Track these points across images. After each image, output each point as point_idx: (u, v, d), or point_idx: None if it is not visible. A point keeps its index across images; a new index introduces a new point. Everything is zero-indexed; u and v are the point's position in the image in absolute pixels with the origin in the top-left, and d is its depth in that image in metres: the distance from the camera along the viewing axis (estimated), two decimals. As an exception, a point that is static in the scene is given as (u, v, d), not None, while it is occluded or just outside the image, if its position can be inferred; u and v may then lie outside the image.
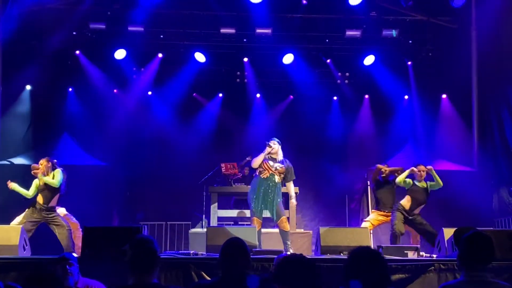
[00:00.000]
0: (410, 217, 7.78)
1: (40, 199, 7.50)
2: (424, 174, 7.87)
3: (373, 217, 8.60)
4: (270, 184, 7.53)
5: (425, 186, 7.91)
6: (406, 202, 7.86)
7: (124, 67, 11.91)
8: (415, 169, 7.91)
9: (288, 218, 9.08)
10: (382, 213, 8.51)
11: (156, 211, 11.98)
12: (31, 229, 7.29)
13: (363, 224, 8.60)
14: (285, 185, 8.05)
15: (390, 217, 8.33)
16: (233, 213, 10.04)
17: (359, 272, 2.81)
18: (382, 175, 8.73)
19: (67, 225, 7.46)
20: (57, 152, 10.85)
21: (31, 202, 7.57)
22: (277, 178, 7.59)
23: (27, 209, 7.49)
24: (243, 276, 3.18)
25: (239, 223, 9.91)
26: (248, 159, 10.90)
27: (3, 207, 8.33)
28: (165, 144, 12.17)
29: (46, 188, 7.52)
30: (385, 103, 12.62)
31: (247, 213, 9.81)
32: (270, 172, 7.56)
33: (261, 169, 7.62)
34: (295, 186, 9.17)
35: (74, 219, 8.13)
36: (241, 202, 10.60)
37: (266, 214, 7.74)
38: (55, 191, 7.55)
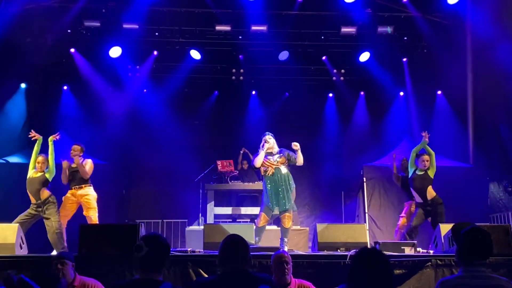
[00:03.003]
0: (429, 208, 7.76)
1: (31, 198, 7.51)
2: (427, 163, 7.90)
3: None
4: (278, 178, 7.50)
5: (423, 173, 7.92)
6: (417, 197, 7.88)
7: (119, 65, 11.88)
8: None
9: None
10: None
11: (152, 209, 11.97)
12: (27, 223, 7.30)
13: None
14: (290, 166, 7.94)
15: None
16: (230, 210, 10.03)
17: (364, 275, 2.81)
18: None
19: (57, 220, 7.46)
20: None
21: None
22: (283, 170, 7.55)
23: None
24: (243, 273, 3.18)
25: (236, 220, 9.90)
26: (243, 151, 10.92)
27: (1, 205, 8.30)
28: (161, 141, 12.15)
29: (34, 183, 7.54)
30: (380, 99, 12.65)
31: (244, 210, 9.83)
32: (274, 167, 7.54)
33: (264, 168, 7.58)
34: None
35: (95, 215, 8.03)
36: (234, 199, 10.62)
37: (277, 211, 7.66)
38: (42, 184, 7.56)
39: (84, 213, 7.81)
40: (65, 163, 7.97)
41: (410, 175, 7.97)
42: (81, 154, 8.06)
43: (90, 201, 7.83)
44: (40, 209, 7.48)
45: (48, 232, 7.43)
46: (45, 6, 10.39)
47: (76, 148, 8.04)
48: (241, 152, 11.07)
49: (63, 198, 7.82)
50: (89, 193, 7.89)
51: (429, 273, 5.73)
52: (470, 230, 3.30)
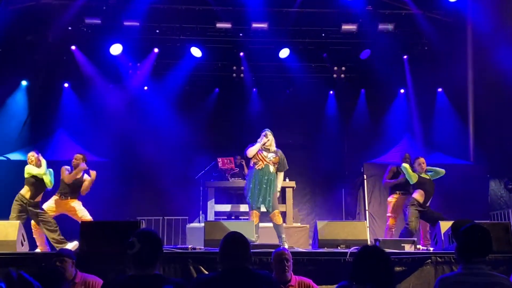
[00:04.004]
0: (424, 209, 7.78)
1: (26, 193, 7.49)
2: (424, 166, 7.89)
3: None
4: (265, 174, 7.54)
5: (429, 177, 7.93)
6: (419, 196, 7.80)
7: (120, 62, 11.88)
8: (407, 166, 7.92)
9: (284, 212, 9.13)
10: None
11: (153, 206, 11.97)
12: (22, 220, 7.31)
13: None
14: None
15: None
16: (230, 207, 10.04)
17: (365, 272, 2.82)
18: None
19: (53, 221, 7.45)
20: (53, 147, 10.84)
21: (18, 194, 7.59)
22: (272, 168, 7.58)
23: (14, 203, 7.48)
24: (243, 270, 3.19)
25: (235, 217, 9.92)
26: (239, 160, 10.92)
27: (2, 202, 8.31)
28: (162, 138, 12.16)
29: (35, 182, 7.53)
30: (381, 97, 12.65)
31: (245, 207, 9.83)
32: (265, 162, 7.57)
33: (255, 160, 7.62)
34: (291, 180, 9.25)
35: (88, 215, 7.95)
36: (234, 196, 10.63)
37: (263, 208, 7.74)
38: (43, 187, 7.57)
39: (77, 219, 7.71)
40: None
41: (415, 181, 7.92)
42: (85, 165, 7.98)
43: (76, 211, 7.78)
44: (28, 208, 7.49)
45: (48, 231, 7.39)
46: (46, 4, 10.41)
47: (78, 157, 7.97)
48: (237, 163, 11.02)
49: (46, 208, 7.73)
50: (75, 206, 7.83)
51: (429, 270, 5.73)
52: (470, 227, 3.31)
